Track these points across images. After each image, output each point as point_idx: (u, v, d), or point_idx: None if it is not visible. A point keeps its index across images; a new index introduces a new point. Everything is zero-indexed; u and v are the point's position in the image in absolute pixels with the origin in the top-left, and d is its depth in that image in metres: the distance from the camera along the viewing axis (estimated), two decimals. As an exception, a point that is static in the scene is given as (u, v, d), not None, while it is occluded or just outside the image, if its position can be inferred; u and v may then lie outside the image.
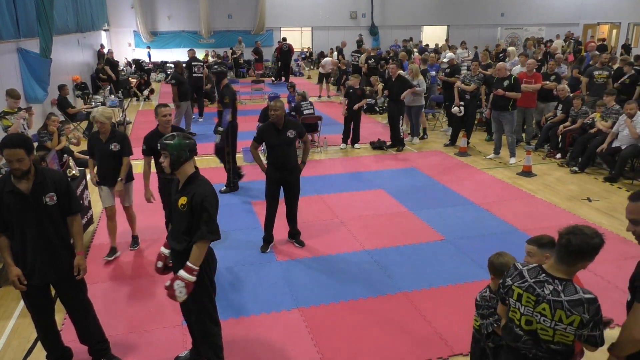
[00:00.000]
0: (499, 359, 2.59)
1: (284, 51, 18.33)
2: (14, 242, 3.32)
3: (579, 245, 2.25)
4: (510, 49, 14.23)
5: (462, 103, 9.76)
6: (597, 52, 12.89)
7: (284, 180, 5.48)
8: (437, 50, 18.52)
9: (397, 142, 9.84)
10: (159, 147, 3.35)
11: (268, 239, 5.69)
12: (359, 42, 21.39)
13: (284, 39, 19.28)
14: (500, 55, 16.55)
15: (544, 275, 2.35)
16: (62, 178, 3.48)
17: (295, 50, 20.64)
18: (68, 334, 3.96)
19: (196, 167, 3.41)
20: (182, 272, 3.19)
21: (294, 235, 5.83)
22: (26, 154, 3.19)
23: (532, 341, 2.37)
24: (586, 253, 2.28)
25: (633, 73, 9.92)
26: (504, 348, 2.54)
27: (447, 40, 22.18)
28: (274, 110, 5.27)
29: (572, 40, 22.07)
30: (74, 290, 3.55)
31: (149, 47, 21.56)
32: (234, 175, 7.58)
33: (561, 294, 2.27)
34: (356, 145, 10.14)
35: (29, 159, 3.23)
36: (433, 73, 12.00)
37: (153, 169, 5.23)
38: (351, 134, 10.12)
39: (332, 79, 17.50)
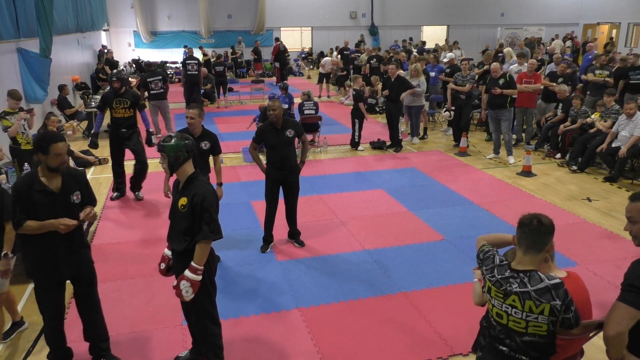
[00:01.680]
0: (482, 356, 2.62)
1: (282, 51, 18.31)
2: (41, 241, 3.34)
3: (550, 223, 2.36)
4: (507, 50, 14.19)
5: (452, 107, 9.74)
6: (597, 52, 12.89)
7: (283, 180, 5.48)
8: (436, 51, 18.48)
9: (395, 143, 9.84)
10: (157, 149, 3.36)
11: (268, 239, 5.70)
12: (360, 42, 21.38)
13: (277, 39, 19.22)
14: (500, 55, 16.53)
15: (509, 271, 2.38)
16: (81, 174, 3.61)
17: (294, 50, 20.55)
18: (68, 334, 3.96)
19: (196, 168, 3.42)
20: (187, 272, 3.23)
21: (294, 235, 5.83)
22: None
23: (506, 331, 2.40)
24: (553, 232, 2.38)
25: None
26: (485, 345, 2.56)
27: (446, 40, 22.16)
28: (273, 110, 5.28)
29: (570, 40, 22.04)
30: (89, 286, 3.65)
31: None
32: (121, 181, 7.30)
33: (527, 285, 2.30)
34: (356, 145, 10.15)
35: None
36: (434, 74, 11.97)
37: None
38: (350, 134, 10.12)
39: (332, 78, 17.51)
